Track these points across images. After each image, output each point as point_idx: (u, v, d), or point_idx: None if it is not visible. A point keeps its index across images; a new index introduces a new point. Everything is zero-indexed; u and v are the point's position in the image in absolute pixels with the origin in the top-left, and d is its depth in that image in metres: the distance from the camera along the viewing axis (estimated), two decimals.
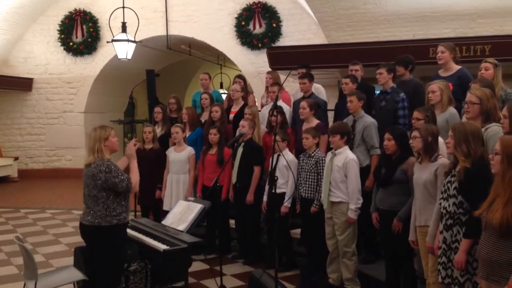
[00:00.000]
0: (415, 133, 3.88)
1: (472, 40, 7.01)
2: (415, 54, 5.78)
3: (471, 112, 3.66)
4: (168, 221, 4.65)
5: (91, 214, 3.84)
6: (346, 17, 8.41)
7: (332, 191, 4.70)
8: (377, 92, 5.81)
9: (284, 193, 5.27)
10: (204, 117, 6.79)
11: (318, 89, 6.47)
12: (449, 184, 3.38)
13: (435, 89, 4.52)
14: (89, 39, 12.37)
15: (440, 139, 3.94)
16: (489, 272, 2.79)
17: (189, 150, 6.18)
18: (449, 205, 3.35)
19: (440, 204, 3.46)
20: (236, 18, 11.21)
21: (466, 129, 3.27)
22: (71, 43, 12.50)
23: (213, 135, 5.92)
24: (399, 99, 5.15)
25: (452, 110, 4.47)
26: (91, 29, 12.33)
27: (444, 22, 7.86)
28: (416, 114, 4.33)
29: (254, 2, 11.01)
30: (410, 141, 4.03)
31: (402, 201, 4.19)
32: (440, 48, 5.21)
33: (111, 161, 3.87)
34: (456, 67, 5.17)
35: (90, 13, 12.37)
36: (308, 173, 5.03)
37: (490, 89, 3.94)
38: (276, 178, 4.02)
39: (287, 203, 5.26)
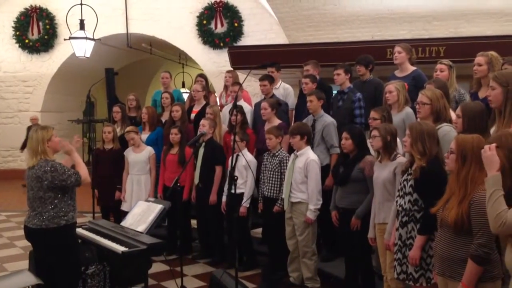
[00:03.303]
0: (375, 133, 3.95)
1: (427, 41, 7.21)
2: (373, 54, 5.89)
3: (422, 112, 3.76)
4: (127, 222, 4.57)
5: (37, 217, 3.76)
6: (307, 18, 8.49)
7: (292, 192, 4.73)
8: (335, 92, 5.90)
9: (243, 193, 5.28)
10: (165, 117, 6.72)
11: (287, 89, 6.50)
12: (405, 182, 3.46)
13: (392, 89, 4.62)
14: (46, 36, 12.04)
15: (398, 139, 4.03)
16: (445, 268, 2.85)
17: (148, 150, 6.10)
18: (404, 203, 3.43)
19: (397, 201, 3.54)
20: (197, 17, 11.14)
21: (423, 129, 3.35)
22: (26, 40, 12.13)
23: (174, 135, 5.87)
24: (356, 99, 5.26)
25: (408, 110, 4.58)
26: (47, 26, 12.00)
27: (400, 24, 8.05)
28: (372, 114, 4.42)
29: (215, 1, 10.97)
30: (370, 140, 4.11)
31: (360, 199, 4.28)
32: (397, 49, 5.34)
33: (55, 161, 3.80)
34: (411, 68, 5.30)
35: (46, 9, 12.04)
36: (272, 173, 5.05)
37: (444, 90, 4.06)
38: (235, 178, 4.02)
39: (246, 203, 5.26)
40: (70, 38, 9.30)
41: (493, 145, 2.36)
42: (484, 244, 2.55)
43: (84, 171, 3.90)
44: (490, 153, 2.35)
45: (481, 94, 4.22)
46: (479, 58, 4.35)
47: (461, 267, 2.71)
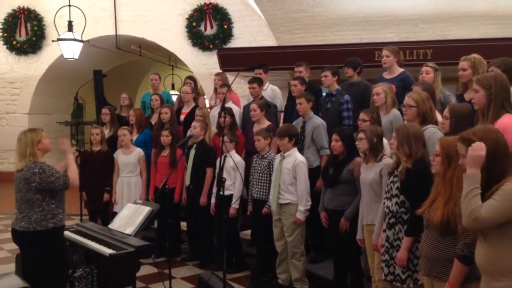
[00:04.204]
0: (361, 135, 3.98)
1: (414, 44, 7.28)
2: (361, 57, 5.92)
3: (409, 114, 3.79)
4: (115, 224, 4.54)
5: (25, 220, 3.73)
6: (296, 20, 8.52)
7: (281, 194, 4.73)
8: (324, 94, 5.92)
9: (232, 195, 5.28)
10: (154, 119, 6.71)
11: (275, 91, 6.52)
12: (392, 184, 3.49)
13: (380, 92, 4.65)
14: (34, 38, 11.94)
15: (385, 140, 4.06)
16: (431, 268, 2.88)
17: (138, 152, 6.09)
18: (392, 205, 3.46)
19: (384, 203, 3.56)
20: (187, 19, 11.12)
21: (409, 131, 3.38)
22: (14, 42, 12.02)
23: (165, 137, 5.87)
24: (344, 101, 5.29)
25: (395, 112, 4.61)
26: (35, 28, 11.90)
27: (388, 27, 8.10)
28: (362, 115, 4.44)
29: (205, 3, 10.95)
30: (357, 142, 4.14)
31: (349, 201, 4.29)
32: (385, 52, 5.38)
33: (45, 162, 3.78)
34: (399, 70, 5.35)
35: (34, 11, 11.94)
36: (261, 174, 5.05)
37: (430, 92, 4.09)
38: (224, 179, 4.02)
39: (235, 204, 5.27)
40: (58, 39, 9.26)
41: (483, 144, 2.38)
42: (470, 244, 2.56)
43: (73, 174, 3.88)
44: (478, 153, 2.37)
45: (467, 96, 4.26)
46: (463, 63, 4.38)
47: (447, 267, 2.74)
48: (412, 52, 6.99)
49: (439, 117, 3.86)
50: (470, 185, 2.32)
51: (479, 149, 2.36)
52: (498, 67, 3.80)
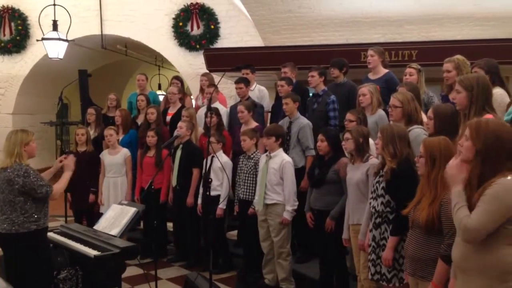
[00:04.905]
0: (347, 135, 4.01)
1: (400, 45, 7.33)
2: (348, 57, 5.95)
3: (394, 115, 3.82)
4: (100, 226, 4.51)
5: (7, 222, 3.70)
6: (282, 21, 8.52)
7: (267, 194, 4.74)
8: (311, 94, 5.94)
9: (219, 195, 5.27)
10: (140, 119, 6.68)
11: (262, 91, 6.52)
12: (377, 184, 3.51)
13: (366, 92, 4.68)
14: (18, 37, 11.78)
15: (371, 141, 4.08)
16: (416, 268, 2.91)
17: (124, 152, 6.06)
18: (377, 204, 3.48)
19: (370, 203, 3.59)
20: (173, 18, 11.05)
21: (393, 131, 3.40)
22: None
23: (151, 138, 5.85)
24: (330, 101, 5.32)
25: (381, 112, 4.64)
26: (20, 27, 11.74)
27: (374, 28, 8.15)
28: (348, 116, 4.47)
29: (191, 3, 10.90)
30: (343, 142, 4.16)
31: (334, 201, 4.31)
32: (370, 52, 5.42)
33: (29, 166, 3.76)
34: (384, 71, 5.38)
35: (19, 10, 11.78)
36: (247, 175, 5.05)
37: (415, 93, 4.13)
38: (210, 180, 4.01)
39: (222, 204, 5.26)
40: (43, 39, 9.15)
41: (458, 161, 2.36)
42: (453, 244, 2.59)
43: (60, 187, 3.91)
44: (455, 172, 2.36)
45: (452, 97, 4.30)
46: (447, 65, 4.43)
47: (431, 267, 2.76)
48: (398, 53, 7.05)
49: (424, 117, 3.90)
50: (454, 201, 2.31)
51: (454, 168, 2.37)
52: (481, 68, 3.85)
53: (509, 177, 2.21)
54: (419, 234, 2.88)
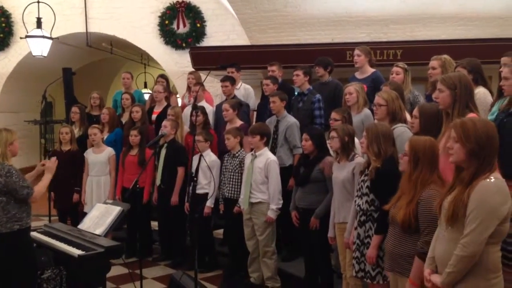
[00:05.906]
0: (333, 134, 4.02)
1: (385, 44, 7.38)
2: (333, 56, 5.97)
3: (379, 113, 3.85)
4: (84, 225, 4.47)
5: None
6: (268, 19, 8.53)
7: (252, 193, 4.74)
8: (296, 93, 5.96)
9: (207, 194, 5.25)
10: (125, 118, 6.63)
11: (247, 90, 6.52)
12: (362, 183, 3.54)
13: (352, 91, 4.71)
14: (1, 35, 11.61)
15: (356, 140, 4.11)
16: (394, 264, 2.94)
17: (109, 151, 6.02)
18: (362, 203, 3.51)
19: (355, 201, 3.61)
20: (159, 16, 11.00)
21: (378, 130, 3.42)
22: None
23: (134, 137, 5.81)
24: (315, 100, 5.33)
25: (367, 111, 4.67)
26: (3, 24, 11.58)
27: (360, 27, 8.19)
28: (333, 115, 4.49)
29: (177, 1, 10.86)
30: (328, 141, 4.18)
31: (319, 199, 4.33)
32: (356, 52, 5.45)
33: (12, 165, 3.74)
34: (370, 70, 5.42)
35: (2, 7, 11.61)
36: (232, 173, 5.05)
37: (399, 91, 4.16)
38: (195, 179, 4.00)
39: (209, 203, 5.25)
40: (27, 36, 9.05)
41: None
42: (430, 242, 2.61)
43: (40, 190, 3.89)
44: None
45: (435, 96, 4.34)
46: (433, 62, 4.48)
47: (409, 263, 2.80)
48: (383, 52, 7.09)
49: (408, 116, 3.93)
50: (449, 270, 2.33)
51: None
52: (464, 67, 3.89)
53: (492, 179, 2.24)
54: (398, 230, 2.93)
